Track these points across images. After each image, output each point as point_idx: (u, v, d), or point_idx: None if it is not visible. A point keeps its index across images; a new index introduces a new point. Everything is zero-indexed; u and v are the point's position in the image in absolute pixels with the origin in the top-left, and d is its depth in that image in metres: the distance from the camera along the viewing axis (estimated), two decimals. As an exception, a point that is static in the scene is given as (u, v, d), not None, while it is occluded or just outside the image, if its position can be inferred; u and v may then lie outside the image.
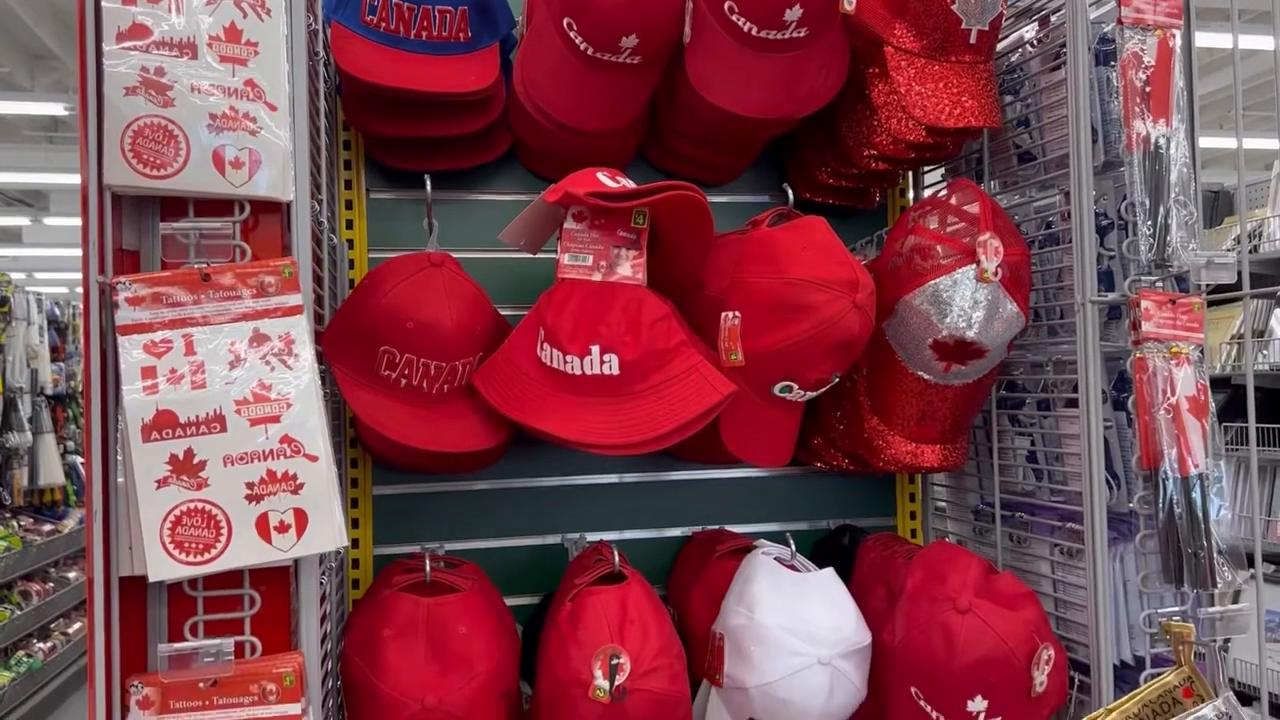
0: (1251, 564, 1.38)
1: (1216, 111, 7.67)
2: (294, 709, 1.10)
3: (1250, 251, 3.73)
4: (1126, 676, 1.39)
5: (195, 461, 1.06)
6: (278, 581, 1.17)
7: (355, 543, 1.67)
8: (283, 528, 1.08)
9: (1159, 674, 1.35)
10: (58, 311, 6.63)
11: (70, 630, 6.63)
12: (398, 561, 1.49)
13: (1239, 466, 3.48)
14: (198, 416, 1.07)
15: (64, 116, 7.40)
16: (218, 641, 1.09)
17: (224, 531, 1.06)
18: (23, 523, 6.04)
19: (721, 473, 1.82)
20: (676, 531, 1.80)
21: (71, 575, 6.65)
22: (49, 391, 6.29)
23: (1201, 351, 1.35)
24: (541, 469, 1.75)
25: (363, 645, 1.31)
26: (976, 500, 1.74)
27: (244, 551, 1.07)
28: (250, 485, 1.07)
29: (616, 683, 1.28)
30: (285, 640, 1.17)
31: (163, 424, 1.06)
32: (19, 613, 5.73)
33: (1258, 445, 3.26)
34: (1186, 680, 1.33)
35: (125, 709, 1.08)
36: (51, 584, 6.32)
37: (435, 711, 1.25)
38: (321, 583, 1.28)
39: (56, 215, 9.04)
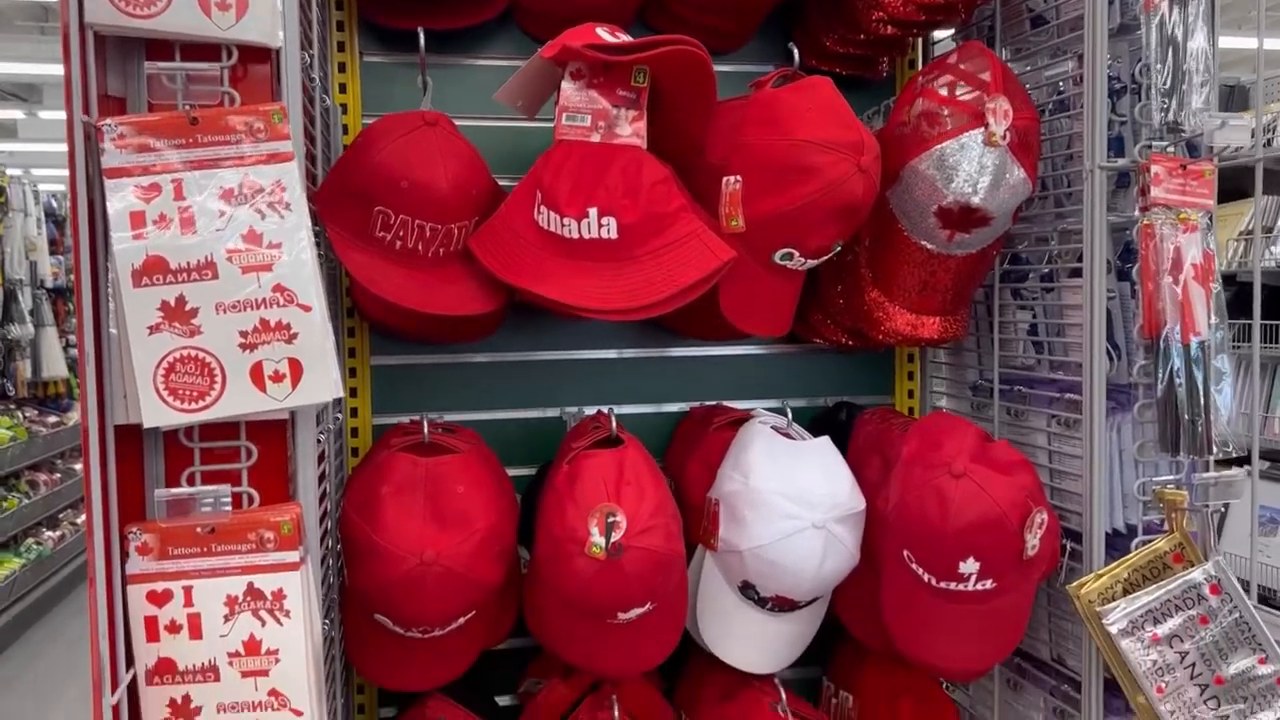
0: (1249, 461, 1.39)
1: (1236, 12, 7.49)
2: (292, 556, 1.11)
3: (1265, 145, 3.66)
4: (1118, 544, 1.40)
5: (187, 308, 1.05)
6: (275, 435, 1.17)
7: (354, 412, 1.67)
8: (277, 377, 1.07)
9: (1150, 540, 1.36)
10: (55, 204, 6.57)
11: (79, 521, 6.74)
12: (396, 426, 1.50)
13: (1241, 364, 3.47)
14: (188, 263, 1.05)
15: (56, 5, 7.21)
16: (215, 488, 1.09)
17: (218, 379, 1.06)
18: (27, 414, 6.09)
19: (720, 349, 1.81)
20: (674, 407, 1.81)
21: (78, 467, 6.73)
22: (49, 284, 6.27)
23: (1210, 219, 1.33)
24: (540, 343, 1.74)
25: (361, 503, 1.32)
26: (975, 376, 1.73)
27: (239, 400, 1.07)
28: (244, 334, 1.06)
29: (613, 539, 1.29)
30: (283, 493, 1.18)
31: (153, 270, 1.04)
32: (27, 501, 5.82)
33: (1260, 343, 3.26)
34: (1177, 546, 1.34)
35: (125, 555, 1.09)
36: (58, 475, 6.40)
37: (434, 566, 1.26)
38: (319, 441, 1.29)
39: (50, 109, 8.88)
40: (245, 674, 1.10)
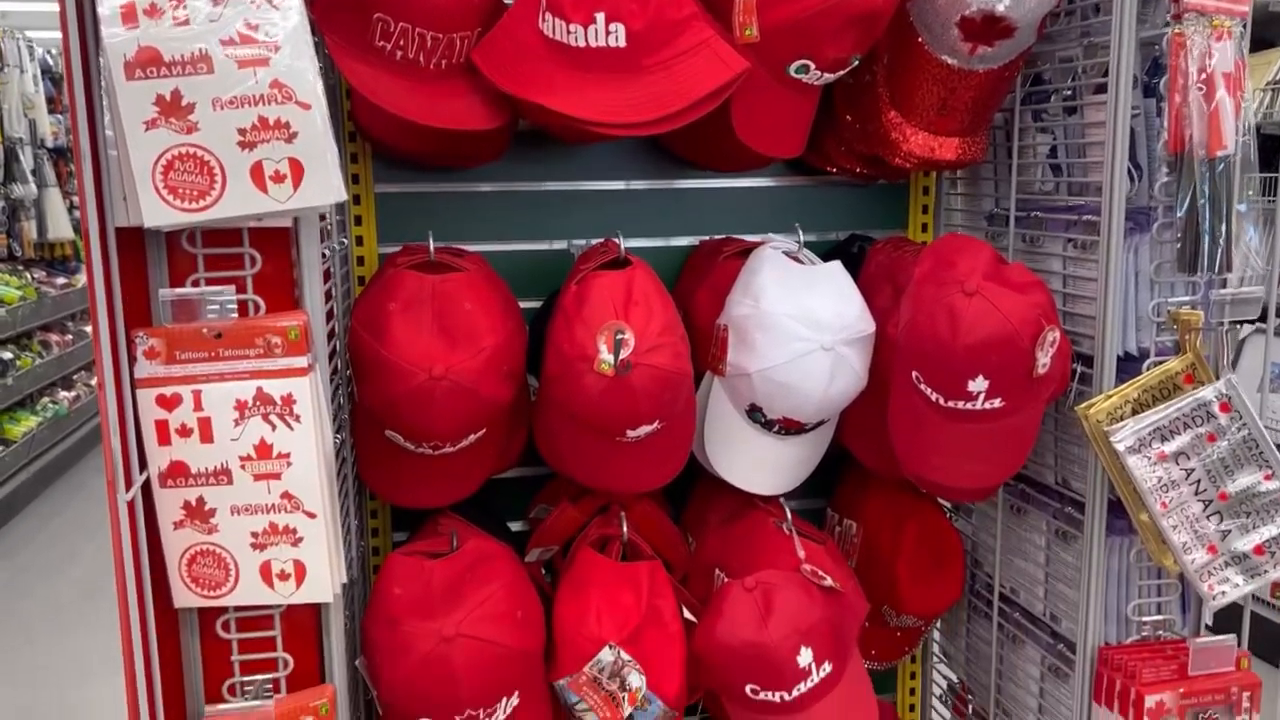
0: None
1: None
2: (300, 362, 1.11)
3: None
4: (1128, 369, 1.39)
5: (184, 104, 1.02)
6: (278, 244, 1.16)
7: (359, 240, 1.65)
8: (278, 177, 1.05)
9: (1162, 362, 1.36)
10: (51, 61, 6.41)
11: (93, 382, 6.82)
12: (403, 247, 1.48)
13: (1264, 218, 3.42)
14: (183, 55, 1.01)
15: None
16: (220, 289, 1.08)
17: (218, 178, 1.03)
18: (36, 275, 6.09)
19: (730, 181, 1.77)
20: (683, 241, 1.78)
21: (88, 329, 6.77)
22: (49, 144, 6.18)
23: (1244, 26, 1.27)
24: (546, 172, 1.71)
25: (369, 320, 1.31)
26: (991, 205, 1.70)
27: (240, 200, 1.04)
28: (242, 131, 1.03)
29: (621, 356, 1.29)
30: (289, 303, 1.17)
31: (146, 62, 1.01)
32: (41, 361, 5.87)
33: (1280, 194, 3.21)
34: (1189, 367, 1.34)
35: (133, 359, 1.09)
36: (70, 336, 6.44)
37: (443, 381, 1.26)
38: (324, 255, 1.27)
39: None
40: (258, 477, 1.12)
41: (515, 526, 1.78)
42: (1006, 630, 1.67)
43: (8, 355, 5.51)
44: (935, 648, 1.95)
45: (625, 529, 1.48)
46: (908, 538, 1.67)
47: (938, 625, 1.90)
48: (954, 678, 1.91)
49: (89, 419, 6.74)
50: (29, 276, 5.97)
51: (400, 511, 1.70)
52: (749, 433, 1.51)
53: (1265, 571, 1.30)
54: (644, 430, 1.36)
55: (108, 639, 4.05)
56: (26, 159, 5.90)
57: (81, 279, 6.56)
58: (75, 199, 6.38)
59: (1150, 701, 1.33)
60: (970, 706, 1.84)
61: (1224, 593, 1.31)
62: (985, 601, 1.74)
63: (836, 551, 1.58)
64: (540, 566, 1.62)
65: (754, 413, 1.47)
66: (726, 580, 1.47)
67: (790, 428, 1.48)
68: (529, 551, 1.58)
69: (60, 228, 6.21)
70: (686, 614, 1.47)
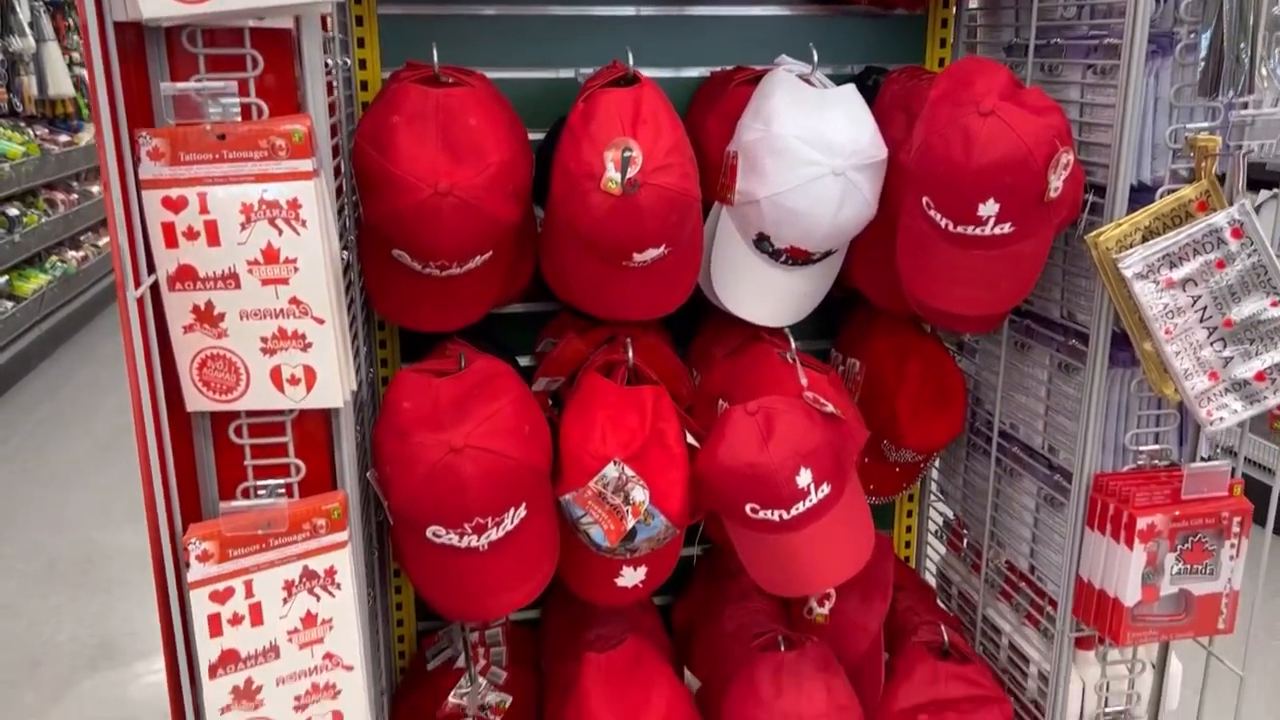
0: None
1: None
2: (306, 165, 1.10)
3: None
4: (1141, 200, 1.37)
5: (178, -112, 0.99)
6: (281, 49, 1.13)
7: (363, 64, 1.62)
8: (278, -31, 1.02)
9: (1176, 189, 1.34)
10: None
11: (100, 243, 6.82)
12: (406, 63, 1.45)
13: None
14: None
15: None
16: (222, 84, 1.07)
17: (216, -31, 1.01)
18: (38, 132, 6.01)
19: (744, 9, 1.73)
20: (694, 72, 1.74)
21: (94, 189, 6.72)
22: (46, -4, 6.02)
23: None
24: (555, -4, 1.66)
25: (373, 134, 1.29)
26: (1010, 35, 1.65)
27: (238, -7, 1.02)
28: (239, -81, 1.00)
29: (628, 175, 1.27)
30: (292, 109, 1.15)
31: None
32: (47, 219, 5.85)
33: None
34: (1204, 194, 1.32)
35: (136, 160, 1.08)
36: (75, 195, 6.40)
37: (448, 197, 1.25)
38: (327, 66, 1.25)
39: None
40: (265, 281, 1.12)
41: (523, 361, 1.79)
42: (1004, 465, 1.70)
43: (13, 211, 5.49)
44: (933, 485, 1.99)
45: (631, 355, 1.49)
46: (910, 374, 1.69)
47: (936, 463, 1.94)
48: (950, 514, 1.95)
49: (98, 280, 6.76)
50: (31, 133, 5.90)
51: (409, 341, 1.72)
52: (756, 263, 1.50)
53: (1265, 398, 1.31)
54: (650, 254, 1.36)
55: (129, 488, 4.16)
56: (24, 11, 5.76)
57: (85, 137, 6.49)
58: (75, 54, 6.27)
59: (1142, 524, 1.36)
60: (965, 540, 1.89)
61: (1222, 418, 1.32)
62: (984, 438, 1.76)
63: (839, 381, 1.59)
64: (547, 397, 1.65)
65: (761, 242, 1.47)
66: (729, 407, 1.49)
67: (797, 257, 1.48)
68: (535, 381, 1.60)
69: (60, 84, 6.10)
70: (689, 439, 1.49)
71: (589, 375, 1.49)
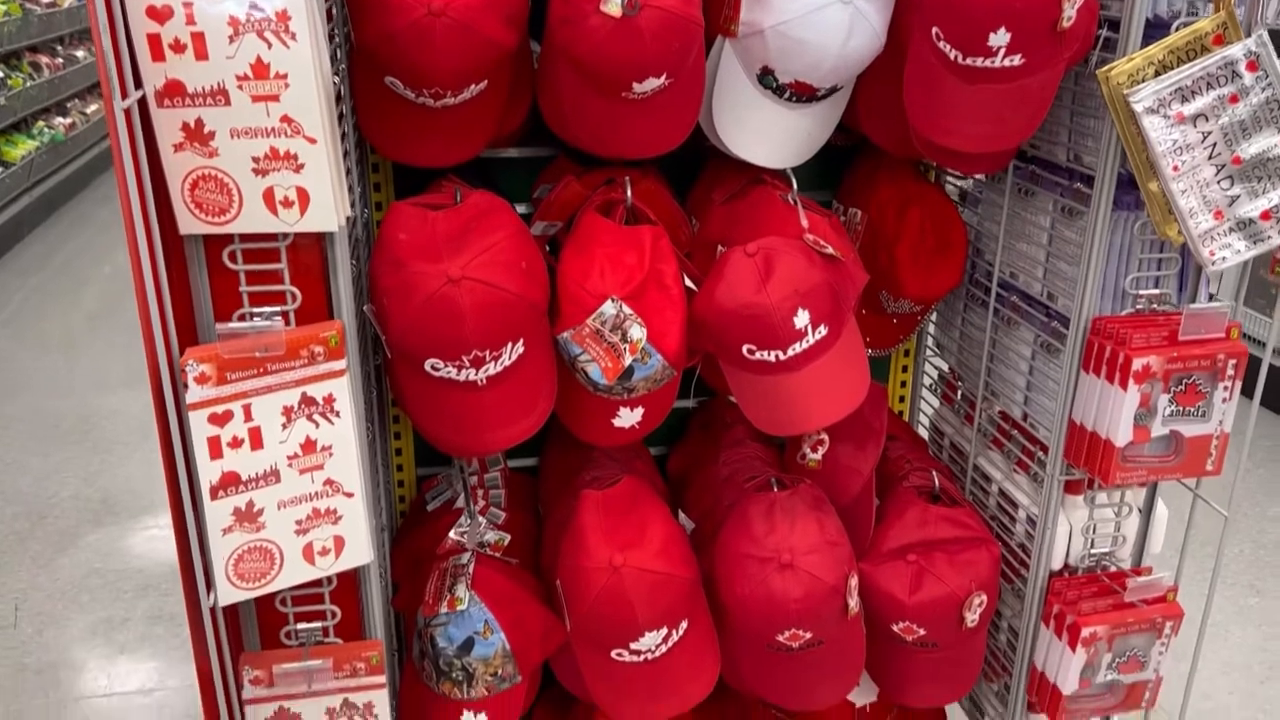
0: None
1: None
2: (293, -25, 1.06)
3: None
4: (1157, 36, 1.33)
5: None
6: None
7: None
8: None
9: (1192, 21, 1.30)
10: None
11: (89, 110, 6.68)
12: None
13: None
14: None
15: None
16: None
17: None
18: (18, -9, 5.83)
19: None
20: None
21: (79, 54, 6.56)
22: None
23: None
24: None
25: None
26: None
27: None
28: None
29: (629, -4, 1.23)
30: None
31: None
32: (32, 82, 5.72)
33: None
34: (1220, 26, 1.28)
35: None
36: (60, 60, 6.25)
37: (442, 17, 1.21)
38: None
39: None
40: (255, 98, 1.10)
41: (520, 209, 1.77)
42: (1002, 314, 1.70)
43: (-2, 73, 5.36)
44: (929, 339, 1.99)
45: (630, 194, 1.47)
46: (911, 221, 1.67)
47: (933, 317, 1.94)
48: (945, 367, 1.96)
49: (87, 147, 6.65)
50: (11, -8, 5.72)
51: (404, 182, 1.69)
52: (759, 100, 1.47)
53: (1269, 237, 1.30)
54: (650, 85, 1.32)
55: (126, 355, 4.18)
56: None
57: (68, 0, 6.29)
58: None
59: (1137, 365, 1.36)
60: (959, 393, 1.90)
61: (1225, 258, 1.31)
62: (983, 289, 1.76)
63: (839, 225, 1.58)
64: (545, 243, 1.63)
65: (765, 76, 1.43)
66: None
67: (801, 93, 1.44)
68: (533, 225, 1.58)
69: (38, -61, 5.89)
70: (688, 282, 1.48)
71: (587, 214, 1.47)
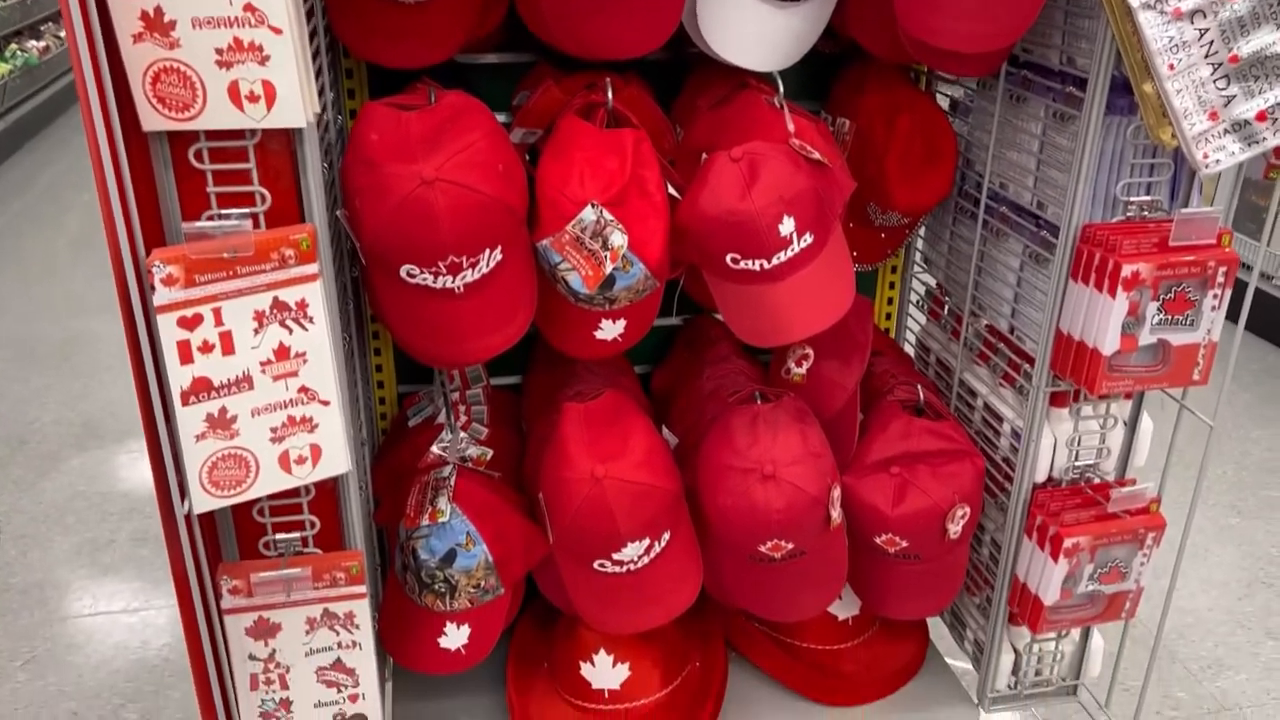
0: None
1: None
2: None
3: None
4: (1155, -69, 1.28)
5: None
6: None
7: None
8: None
9: (1193, -87, 1.25)
10: None
11: (63, 33, 6.52)
12: None
13: None
14: None
15: None
16: None
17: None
18: (-15, -94, 5.64)
19: None
20: None
21: (51, -26, 6.37)
22: None
23: None
24: None
25: None
26: None
27: None
28: None
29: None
30: None
31: None
32: (2, 4, 5.56)
33: None
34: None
35: None
36: (31, -20, 6.08)
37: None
38: None
39: None
40: (219, -13, 1.05)
41: (501, 119, 1.73)
42: (991, 226, 1.67)
43: (-34, -8, 5.22)
44: (917, 255, 1.97)
45: (610, 96, 1.43)
46: (900, 130, 1.63)
47: (921, 232, 1.91)
48: (932, 283, 1.94)
49: (64, 71, 6.50)
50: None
51: (380, 90, 1.64)
52: (745, 1, 1.42)
53: (1264, 139, 1.27)
54: (633, -25, 1.27)
55: (107, 280, 4.13)
56: None
57: (36, -84, 6.09)
58: None
59: (1126, 271, 1.34)
60: (946, 308, 1.88)
61: (1218, 160, 1.28)
62: (973, 201, 1.73)
63: (827, 131, 1.54)
64: (525, 152, 1.59)
65: (750, -24, 1.38)
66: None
67: (788, -9, 1.40)
68: (512, 132, 1.54)
69: None
70: (671, 190, 1.45)
71: (567, 118, 1.43)
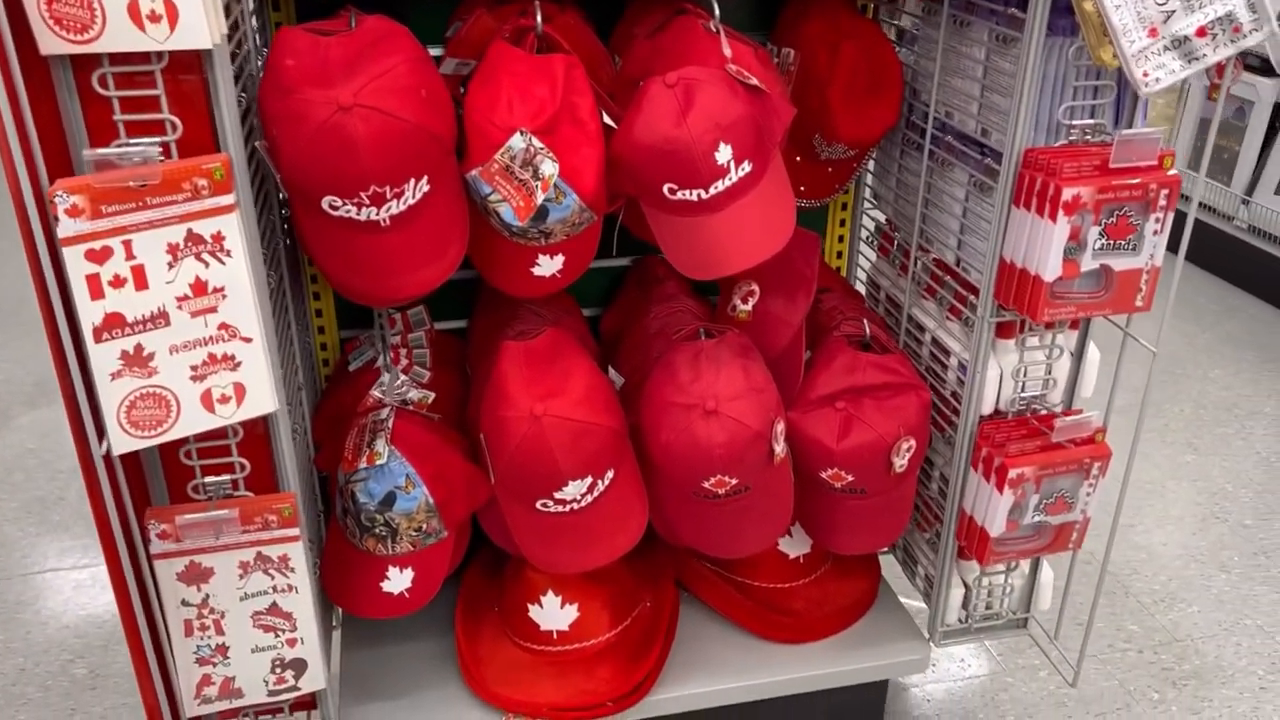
0: None
1: None
2: None
3: None
4: None
5: None
6: None
7: None
8: None
9: None
10: None
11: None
12: None
13: None
14: None
15: None
16: None
17: None
18: None
19: None
20: None
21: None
22: None
23: None
24: None
25: None
26: None
27: None
28: None
29: None
30: None
31: None
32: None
33: None
34: None
35: None
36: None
37: None
38: None
39: None
40: (109, -103, 1.00)
41: (434, 51, 1.68)
42: (937, 156, 1.65)
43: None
44: (866, 192, 1.94)
45: (539, 20, 1.39)
46: (845, 58, 1.60)
47: (870, 167, 1.88)
48: (882, 218, 1.92)
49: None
50: None
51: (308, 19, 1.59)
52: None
53: (1204, 55, 1.25)
54: (557, -103, 1.23)
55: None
56: None
57: None
58: None
59: (1067, 195, 1.32)
60: (895, 243, 1.86)
61: (1159, 79, 1.26)
62: (919, 133, 1.70)
63: (767, 57, 1.50)
64: (457, 83, 1.54)
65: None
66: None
67: (721, -89, 1.35)
68: (443, 63, 1.50)
69: None
70: (607, 119, 1.41)
71: (495, 44, 1.39)
